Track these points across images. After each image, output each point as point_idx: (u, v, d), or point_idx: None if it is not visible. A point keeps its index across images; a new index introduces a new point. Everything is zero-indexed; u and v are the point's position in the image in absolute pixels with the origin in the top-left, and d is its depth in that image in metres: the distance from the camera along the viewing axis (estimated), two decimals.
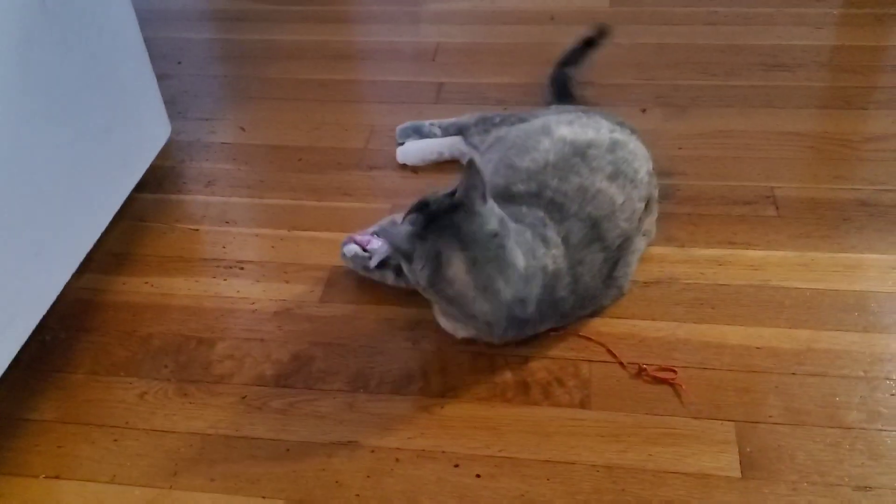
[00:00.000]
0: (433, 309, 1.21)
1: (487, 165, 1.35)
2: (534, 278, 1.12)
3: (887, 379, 1.12)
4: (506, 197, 1.22)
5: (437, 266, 1.08)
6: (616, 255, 1.21)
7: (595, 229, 1.19)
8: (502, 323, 1.14)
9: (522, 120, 1.43)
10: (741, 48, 1.86)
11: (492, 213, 1.11)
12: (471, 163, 1.11)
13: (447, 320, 1.19)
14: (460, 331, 1.19)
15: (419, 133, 1.60)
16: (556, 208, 1.19)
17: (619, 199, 1.21)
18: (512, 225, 1.13)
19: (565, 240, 1.16)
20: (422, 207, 1.13)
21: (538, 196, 1.21)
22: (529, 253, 1.13)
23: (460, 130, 1.55)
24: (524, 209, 1.19)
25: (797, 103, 1.68)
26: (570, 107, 1.46)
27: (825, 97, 1.71)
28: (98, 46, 1.31)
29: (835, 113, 1.66)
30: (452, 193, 1.12)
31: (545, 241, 1.15)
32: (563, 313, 1.19)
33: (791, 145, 1.57)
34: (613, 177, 1.23)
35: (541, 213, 1.19)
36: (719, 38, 1.90)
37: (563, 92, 1.62)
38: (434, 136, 1.59)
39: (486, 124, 1.50)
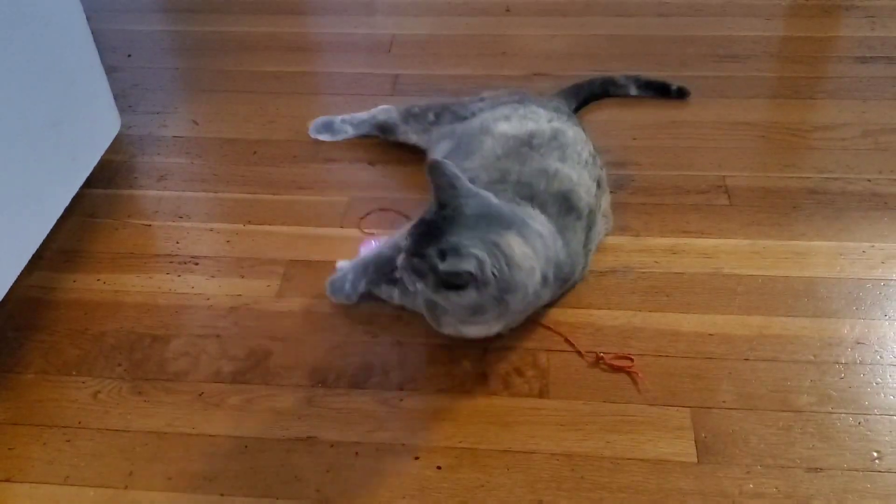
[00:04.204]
0: (440, 320, 1.15)
1: None
2: (542, 248, 1.11)
3: (836, 363, 1.15)
4: None
5: (501, 256, 1.04)
6: (587, 224, 1.23)
7: (567, 201, 1.20)
8: (533, 302, 1.14)
9: (457, 115, 1.43)
10: (693, 39, 1.88)
11: (478, 191, 1.10)
12: (433, 165, 1.09)
13: (469, 326, 1.14)
14: (474, 332, 1.15)
15: (330, 130, 1.60)
16: (523, 188, 1.20)
17: (575, 177, 1.23)
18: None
19: (542, 210, 1.17)
20: (426, 226, 1.07)
21: (503, 181, 1.22)
22: None
23: (382, 129, 1.56)
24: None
25: (748, 93, 1.71)
26: (504, 95, 1.46)
27: (775, 87, 1.75)
28: (44, 39, 1.28)
29: (784, 103, 1.69)
30: (440, 205, 1.08)
31: (527, 216, 1.15)
32: (563, 278, 1.17)
33: (742, 135, 1.59)
34: (563, 159, 1.25)
35: (510, 196, 1.19)
36: (671, 29, 1.93)
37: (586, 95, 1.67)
38: (345, 132, 1.59)
39: (419, 122, 1.50)
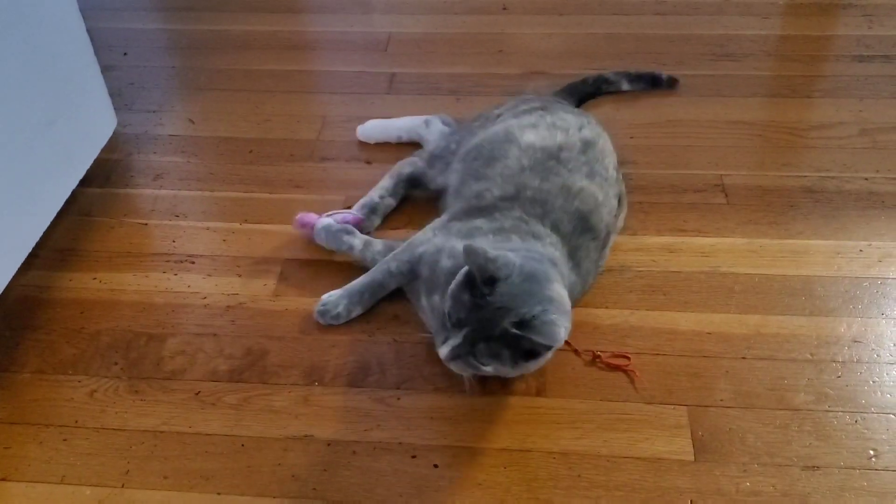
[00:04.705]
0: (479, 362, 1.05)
1: (452, 176, 1.34)
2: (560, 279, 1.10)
3: (833, 361, 1.15)
4: (478, 209, 1.20)
5: (562, 307, 1.04)
6: (602, 243, 1.23)
7: (584, 221, 1.19)
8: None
9: (481, 127, 1.38)
10: (689, 38, 1.88)
11: (507, 254, 1.05)
12: (467, 251, 1.00)
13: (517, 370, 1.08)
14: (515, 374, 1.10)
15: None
16: (537, 205, 1.18)
17: (600, 196, 1.22)
18: (492, 237, 1.13)
19: (555, 229, 1.16)
20: (479, 309, 1.01)
21: (515, 198, 1.19)
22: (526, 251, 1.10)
23: (412, 182, 1.42)
24: (497, 215, 1.17)
25: (745, 92, 1.71)
26: (529, 98, 1.44)
27: (772, 86, 1.75)
28: (39, 38, 1.27)
29: (781, 101, 1.69)
30: (487, 282, 1.01)
31: (535, 236, 1.14)
32: (574, 298, 1.15)
33: (739, 134, 1.59)
34: (591, 176, 1.23)
35: (517, 213, 1.17)
36: (668, 27, 1.93)
37: (583, 94, 1.66)
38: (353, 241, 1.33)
39: (443, 160, 1.40)
